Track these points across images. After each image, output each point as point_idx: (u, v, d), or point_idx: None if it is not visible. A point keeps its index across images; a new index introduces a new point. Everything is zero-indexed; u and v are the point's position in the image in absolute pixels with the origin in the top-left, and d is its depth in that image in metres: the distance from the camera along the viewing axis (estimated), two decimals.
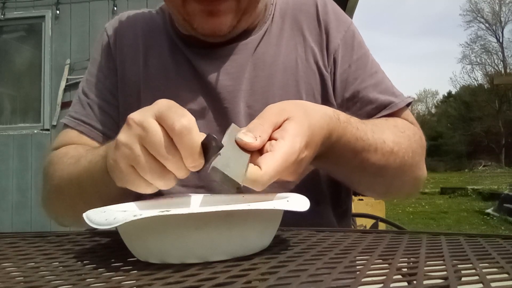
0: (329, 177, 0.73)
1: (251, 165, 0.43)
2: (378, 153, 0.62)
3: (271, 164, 0.43)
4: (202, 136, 0.42)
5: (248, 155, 0.44)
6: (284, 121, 0.48)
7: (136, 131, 0.43)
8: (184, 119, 0.41)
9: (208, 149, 0.42)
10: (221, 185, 0.41)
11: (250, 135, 0.45)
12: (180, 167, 0.43)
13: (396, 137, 0.65)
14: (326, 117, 0.54)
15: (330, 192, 0.76)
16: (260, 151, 0.46)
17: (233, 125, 0.49)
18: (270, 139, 0.47)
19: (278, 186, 0.50)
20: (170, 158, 0.42)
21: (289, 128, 0.47)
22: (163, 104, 0.44)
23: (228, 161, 0.42)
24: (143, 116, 0.44)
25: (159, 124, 0.43)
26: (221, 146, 0.42)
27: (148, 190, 0.45)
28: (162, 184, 0.44)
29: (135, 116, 0.44)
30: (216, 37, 0.70)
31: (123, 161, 0.45)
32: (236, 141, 0.45)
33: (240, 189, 0.42)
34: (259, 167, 0.43)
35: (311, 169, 0.68)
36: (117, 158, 0.45)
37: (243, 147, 0.45)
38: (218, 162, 0.41)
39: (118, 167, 0.45)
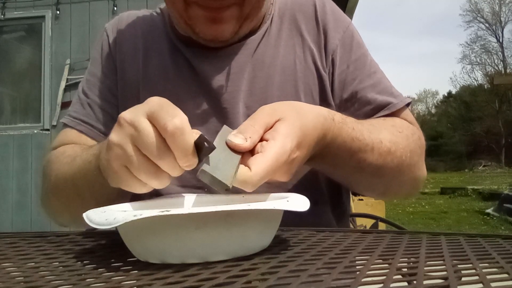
0: (328, 178, 0.73)
1: (241, 166, 0.43)
2: (375, 153, 0.61)
3: (261, 165, 0.43)
4: (195, 134, 0.41)
5: (238, 157, 0.45)
6: (276, 121, 0.48)
7: (128, 131, 0.43)
8: (176, 119, 0.40)
9: (201, 148, 0.42)
10: (210, 187, 0.41)
11: (240, 137, 0.45)
12: (174, 167, 0.42)
13: (393, 137, 0.65)
14: (320, 118, 0.54)
15: (329, 193, 0.75)
16: (252, 152, 0.46)
17: (225, 126, 0.49)
18: (261, 139, 0.47)
19: (276, 186, 0.50)
20: (164, 159, 0.42)
21: (280, 129, 0.47)
22: (155, 103, 0.43)
23: (218, 163, 0.42)
24: (135, 116, 0.43)
25: (151, 123, 0.42)
26: (213, 147, 0.42)
27: (143, 190, 0.45)
28: (156, 184, 0.44)
29: (126, 115, 0.43)
30: (218, 42, 0.70)
31: (116, 161, 0.44)
32: (226, 143, 0.45)
33: (228, 191, 0.41)
34: (249, 168, 0.43)
35: (307, 169, 0.68)
36: (109, 159, 0.44)
37: (233, 149, 0.45)
38: (207, 164, 0.41)
39: (111, 168, 0.45)
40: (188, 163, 0.42)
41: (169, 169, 0.42)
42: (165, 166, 0.42)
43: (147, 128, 0.42)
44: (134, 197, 0.61)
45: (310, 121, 0.52)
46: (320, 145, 0.55)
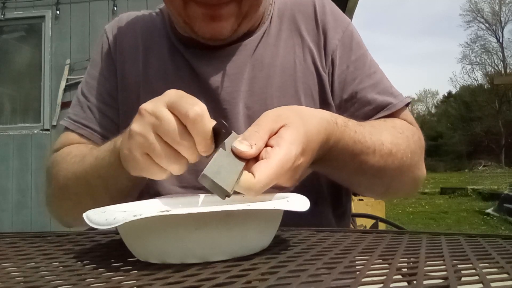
0: (329, 178, 0.73)
1: (245, 172, 0.43)
2: (377, 155, 0.62)
3: (265, 171, 0.43)
4: (213, 122, 0.44)
5: (243, 163, 0.45)
6: (280, 127, 0.48)
7: (149, 120, 0.45)
8: (197, 107, 0.44)
9: (219, 134, 0.44)
10: (210, 192, 0.42)
11: (245, 143, 0.45)
12: (193, 152, 0.45)
13: (394, 138, 0.65)
14: (323, 122, 0.54)
15: (330, 193, 0.76)
16: (257, 158, 0.46)
17: (233, 132, 0.49)
18: (266, 145, 0.47)
19: (276, 187, 0.50)
20: (185, 144, 0.45)
21: (285, 135, 0.47)
22: (173, 94, 0.46)
23: (220, 168, 0.42)
24: (155, 106, 0.46)
25: (171, 112, 0.45)
26: (230, 132, 0.45)
27: (163, 176, 0.48)
28: (176, 169, 0.46)
29: (147, 106, 0.46)
30: (217, 40, 0.70)
31: (138, 149, 0.47)
32: (231, 149, 0.45)
33: (229, 197, 0.42)
34: (253, 174, 0.43)
35: (309, 172, 0.69)
36: (131, 147, 0.47)
37: (238, 155, 0.45)
38: (208, 169, 0.41)
39: (133, 156, 0.47)
40: (206, 148, 0.45)
41: (189, 154, 0.45)
42: (185, 151, 0.45)
43: (169, 117, 0.45)
44: (141, 193, 0.67)
45: (314, 126, 0.52)
46: (323, 149, 0.55)
